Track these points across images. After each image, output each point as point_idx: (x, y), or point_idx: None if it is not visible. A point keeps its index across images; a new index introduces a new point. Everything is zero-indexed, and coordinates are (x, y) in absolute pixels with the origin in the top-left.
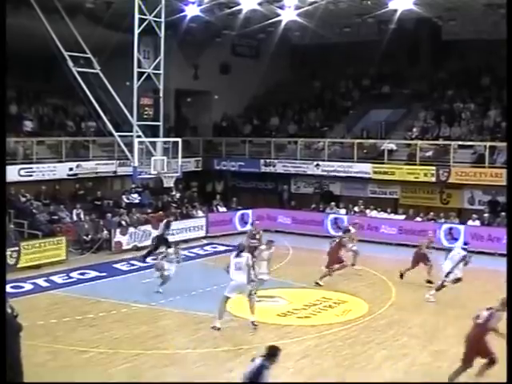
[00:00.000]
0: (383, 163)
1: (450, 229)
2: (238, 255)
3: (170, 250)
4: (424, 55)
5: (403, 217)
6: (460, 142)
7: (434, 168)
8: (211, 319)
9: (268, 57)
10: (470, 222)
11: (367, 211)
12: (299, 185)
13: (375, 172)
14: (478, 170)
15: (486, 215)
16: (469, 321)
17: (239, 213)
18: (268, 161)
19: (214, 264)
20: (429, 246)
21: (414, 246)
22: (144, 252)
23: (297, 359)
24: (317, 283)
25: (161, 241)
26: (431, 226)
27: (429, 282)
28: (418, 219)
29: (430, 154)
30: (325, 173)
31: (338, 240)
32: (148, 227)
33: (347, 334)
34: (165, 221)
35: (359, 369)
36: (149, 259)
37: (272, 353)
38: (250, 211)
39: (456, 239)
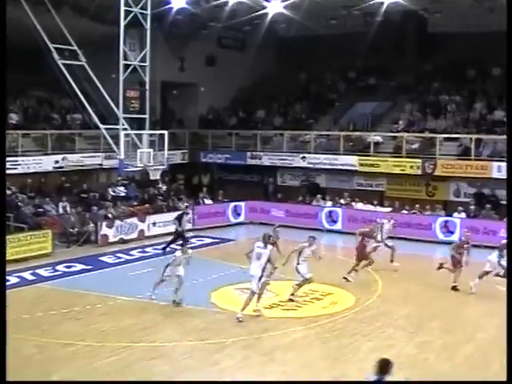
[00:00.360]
0: (369, 156)
1: (446, 222)
2: (264, 246)
3: (178, 253)
4: (410, 48)
5: (389, 209)
6: (446, 135)
7: (419, 160)
8: (198, 312)
9: (254, 49)
10: (455, 215)
11: (353, 203)
12: (285, 177)
13: (361, 164)
14: (464, 162)
15: (471, 207)
16: (454, 313)
17: (232, 205)
18: (254, 153)
19: (200, 257)
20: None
21: (406, 239)
22: (164, 245)
23: (284, 351)
24: (345, 278)
25: (179, 234)
26: (427, 219)
27: (454, 288)
28: (404, 212)
29: (415, 146)
30: (311, 165)
31: (361, 237)
32: (134, 220)
33: (334, 326)
34: (178, 213)
35: (346, 360)
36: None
37: (384, 366)
38: (242, 203)
39: (452, 232)
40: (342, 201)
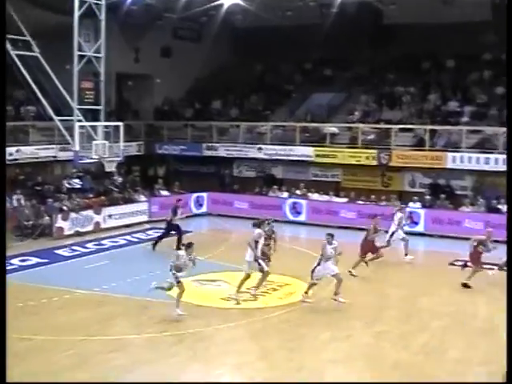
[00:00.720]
0: (325, 146)
1: (411, 213)
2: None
3: (181, 252)
4: (365, 39)
5: (345, 200)
6: (401, 126)
7: (375, 151)
8: (155, 304)
9: (210, 40)
10: (411, 205)
11: (309, 194)
12: (241, 168)
13: (317, 155)
14: (419, 153)
15: (427, 197)
16: (411, 302)
17: (194, 195)
18: (210, 145)
19: (157, 249)
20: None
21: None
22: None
23: (241, 342)
24: (350, 272)
25: (171, 227)
26: (390, 209)
27: (465, 284)
28: (360, 202)
29: (371, 137)
30: (267, 156)
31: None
32: (90, 212)
33: (291, 317)
34: (172, 206)
35: (303, 351)
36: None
37: None
38: (205, 194)
39: (416, 223)
40: (298, 191)
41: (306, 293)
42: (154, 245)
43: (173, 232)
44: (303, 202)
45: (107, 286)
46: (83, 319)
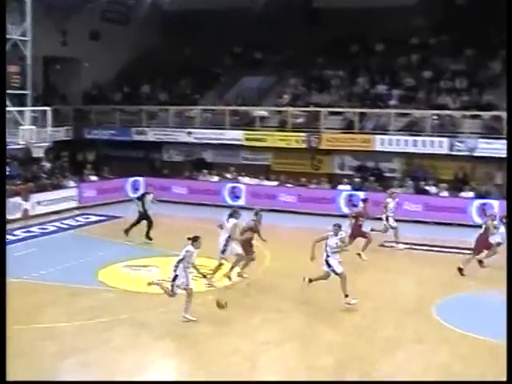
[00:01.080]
0: (255, 130)
1: (351, 196)
2: (227, 219)
3: (191, 248)
4: (295, 22)
5: (276, 183)
6: (330, 109)
7: (304, 134)
8: (86, 291)
9: (138, 23)
10: (340, 187)
11: (239, 178)
12: (171, 153)
13: (247, 139)
14: (348, 136)
15: (356, 180)
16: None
17: (131, 180)
18: (139, 129)
19: (87, 235)
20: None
21: (310, 214)
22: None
23: (174, 327)
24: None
25: (142, 215)
26: (330, 193)
27: (480, 262)
28: (289, 185)
29: (300, 120)
30: (197, 140)
31: (354, 219)
32: (17, 199)
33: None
34: (139, 193)
35: (234, 334)
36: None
37: None
38: (141, 179)
39: (356, 205)
40: (229, 175)
41: (310, 280)
42: (127, 232)
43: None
44: (242, 186)
45: (37, 273)
46: (14, 308)
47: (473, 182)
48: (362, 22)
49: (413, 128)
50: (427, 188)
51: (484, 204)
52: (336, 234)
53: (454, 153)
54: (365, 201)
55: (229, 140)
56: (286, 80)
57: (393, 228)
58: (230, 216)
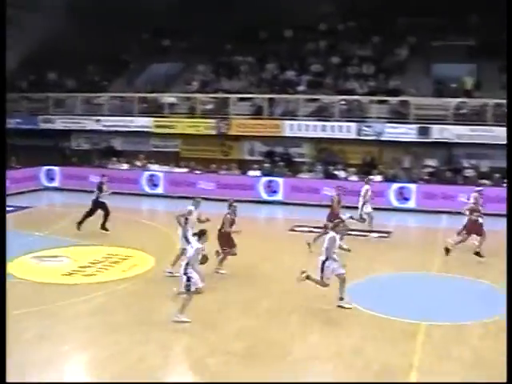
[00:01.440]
0: (164, 117)
1: (270, 181)
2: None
3: (197, 244)
4: (203, 9)
5: (185, 170)
6: (239, 95)
7: (214, 121)
8: None
9: (46, 9)
10: (251, 173)
11: (149, 165)
12: (80, 141)
13: (156, 126)
14: (257, 121)
15: (266, 165)
16: (254, 268)
17: (45, 169)
18: (47, 117)
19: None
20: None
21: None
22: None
23: (87, 318)
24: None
25: (97, 204)
26: (251, 180)
27: (477, 253)
28: (210, 173)
29: (210, 106)
30: (105, 128)
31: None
32: None
33: (135, 289)
34: (97, 182)
35: (150, 323)
36: None
37: None
38: (57, 168)
39: (276, 192)
40: (138, 163)
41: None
42: (79, 224)
43: (100, 210)
44: (160, 174)
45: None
46: None
47: (381, 165)
48: (270, 8)
49: (321, 113)
50: (336, 172)
51: (402, 188)
52: (342, 238)
53: (361, 137)
54: (339, 188)
55: (138, 127)
56: (195, 66)
57: (367, 216)
58: (192, 204)
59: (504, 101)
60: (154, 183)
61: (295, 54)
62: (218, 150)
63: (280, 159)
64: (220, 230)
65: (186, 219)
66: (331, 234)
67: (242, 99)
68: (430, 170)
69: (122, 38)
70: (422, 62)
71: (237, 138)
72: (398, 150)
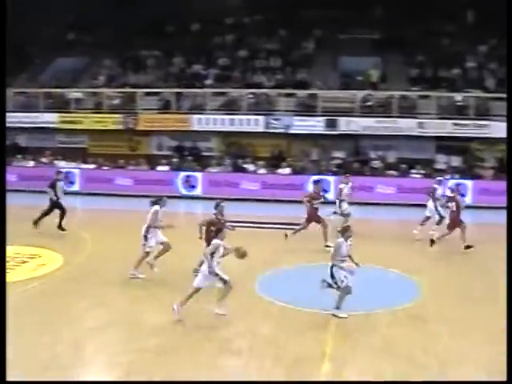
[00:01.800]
0: (70, 112)
1: (188, 176)
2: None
3: (217, 241)
4: (109, 2)
5: (93, 166)
6: (146, 90)
7: (121, 116)
8: None
9: None
10: (159, 168)
11: (55, 162)
12: None
13: (62, 122)
14: (165, 116)
15: (174, 160)
16: (165, 264)
17: None
18: None
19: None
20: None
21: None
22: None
23: None
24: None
25: (54, 203)
26: (167, 174)
27: (468, 247)
28: (128, 169)
29: (117, 101)
30: (9, 124)
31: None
32: None
33: (44, 289)
34: (51, 180)
35: (61, 322)
36: None
37: None
38: None
39: (194, 187)
40: (45, 160)
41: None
42: (35, 223)
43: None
44: (76, 171)
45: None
46: None
47: (289, 158)
48: (177, 2)
49: (229, 107)
50: (245, 166)
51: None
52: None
53: (270, 130)
54: (317, 182)
55: (43, 123)
56: (101, 61)
57: (345, 215)
58: (154, 203)
59: (409, 93)
60: (70, 181)
61: (202, 47)
62: (125, 146)
63: (189, 154)
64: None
65: (154, 218)
66: (339, 239)
67: (149, 94)
68: (338, 161)
69: (27, 32)
70: (328, 55)
71: (145, 132)
72: (306, 142)
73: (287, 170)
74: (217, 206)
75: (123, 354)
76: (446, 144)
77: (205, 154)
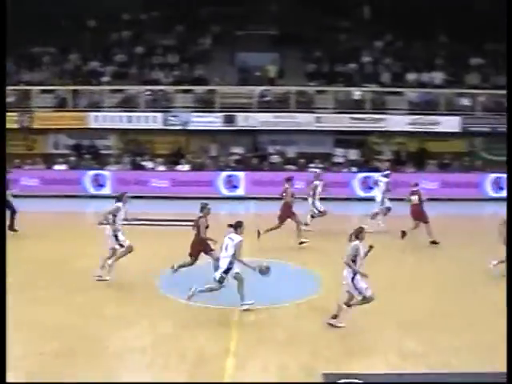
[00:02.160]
0: None
1: (97, 175)
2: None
3: (235, 236)
4: None
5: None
6: (41, 87)
7: (16, 114)
8: None
9: None
10: (56, 167)
11: None
12: None
13: None
14: (61, 114)
15: (72, 159)
16: (66, 264)
17: None
18: None
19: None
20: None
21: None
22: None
23: None
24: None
25: (8, 206)
26: (76, 173)
27: (433, 242)
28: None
29: (11, 99)
30: None
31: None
32: None
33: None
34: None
35: None
36: None
37: None
38: None
39: (103, 186)
40: None
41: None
42: (10, 227)
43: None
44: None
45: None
46: None
47: (188, 155)
48: None
49: (127, 104)
50: (144, 163)
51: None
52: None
53: (168, 127)
54: (289, 179)
55: None
56: None
57: (320, 212)
58: (118, 200)
59: (306, 88)
60: None
61: (99, 44)
62: (21, 145)
63: (86, 152)
64: (196, 235)
65: (114, 216)
66: (355, 241)
67: (44, 91)
68: (237, 157)
69: None
70: (226, 50)
71: (41, 131)
72: (204, 138)
73: (186, 167)
74: (202, 209)
75: (26, 357)
76: (343, 138)
77: (103, 151)
